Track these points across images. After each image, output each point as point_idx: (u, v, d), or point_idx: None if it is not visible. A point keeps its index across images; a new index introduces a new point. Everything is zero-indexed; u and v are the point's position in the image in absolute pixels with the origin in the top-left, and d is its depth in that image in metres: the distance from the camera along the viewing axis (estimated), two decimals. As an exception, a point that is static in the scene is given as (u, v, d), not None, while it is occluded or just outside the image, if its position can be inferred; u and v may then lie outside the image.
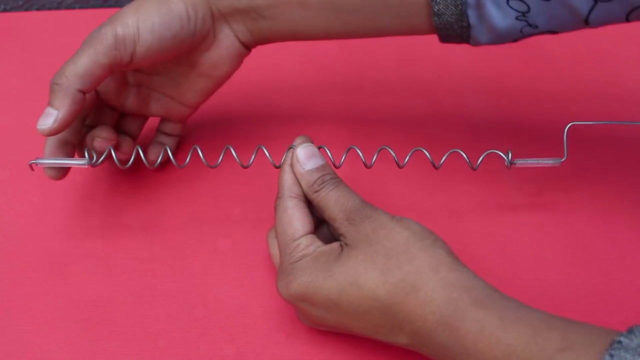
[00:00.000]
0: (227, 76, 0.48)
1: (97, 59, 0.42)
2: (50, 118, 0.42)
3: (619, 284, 0.46)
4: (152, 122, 0.52)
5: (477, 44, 0.43)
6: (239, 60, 0.48)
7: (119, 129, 0.50)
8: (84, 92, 0.43)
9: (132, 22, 0.42)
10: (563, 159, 0.45)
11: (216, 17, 0.45)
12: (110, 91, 0.48)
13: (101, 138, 0.46)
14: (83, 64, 0.42)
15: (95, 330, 0.45)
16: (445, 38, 0.43)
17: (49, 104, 0.43)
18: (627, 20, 0.39)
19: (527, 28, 0.41)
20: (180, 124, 0.52)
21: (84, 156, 0.45)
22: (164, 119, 0.52)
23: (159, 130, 0.52)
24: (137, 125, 0.51)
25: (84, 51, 0.42)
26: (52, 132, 0.42)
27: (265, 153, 0.45)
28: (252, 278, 0.47)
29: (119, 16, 0.43)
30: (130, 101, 0.49)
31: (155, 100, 0.49)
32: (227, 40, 0.46)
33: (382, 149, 0.45)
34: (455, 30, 0.42)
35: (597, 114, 0.57)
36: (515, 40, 0.43)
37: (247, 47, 0.47)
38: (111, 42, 0.42)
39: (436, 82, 0.61)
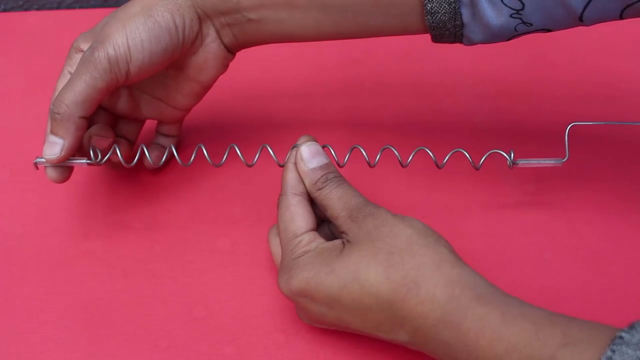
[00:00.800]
0: (213, 80, 0.48)
1: (95, 84, 0.42)
2: (56, 147, 0.43)
3: (619, 284, 0.46)
4: (152, 124, 0.52)
5: (471, 43, 0.43)
6: (224, 65, 0.47)
7: (116, 133, 0.50)
8: (85, 118, 0.43)
9: (122, 41, 0.42)
10: (565, 159, 0.45)
11: (203, 20, 0.45)
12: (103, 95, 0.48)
13: (99, 136, 0.46)
14: (81, 91, 0.42)
15: (95, 330, 0.44)
16: (438, 37, 0.43)
17: (52, 132, 0.43)
18: (621, 17, 0.39)
19: (521, 26, 0.41)
20: (176, 125, 0.52)
21: (83, 155, 0.45)
22: (158, 122, 0.52)
23: (157, 132, 0.52)
24: (133, 129, 0.51)
25: (80, 77, 0.42)
26: (61, 160, 0.43)
27: (269, 152, 0.45)
28: (252, 278, 0.47)
29: (108, 35, 0.42)
30: (122, 103, 0.48)
31: (146, 103, 0.49)
32: (213, 44, 0.46)
33: (385, 148, 0.45)
34: (449, 29, 0.42)
35: (598, 114, 0.57)
36: (509, 39, 0.43)
37: (231, 50, 0.47)
38: (106, 66, 0.42)
39: (437, 83, 0.61)
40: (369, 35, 0.45)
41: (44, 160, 0.44)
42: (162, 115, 0.50)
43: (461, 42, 0.43)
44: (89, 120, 0.44)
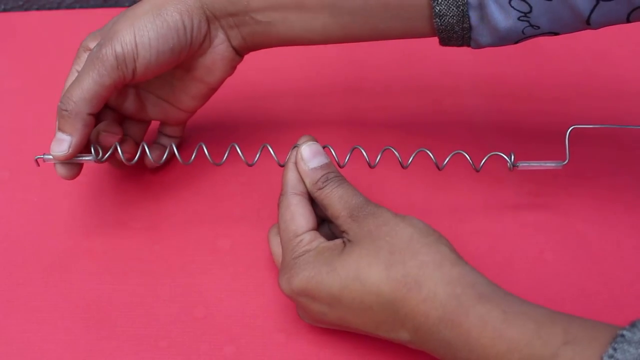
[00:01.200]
0: (220, 82, 0.48)
1: (102, 81, 0.42)
2: (64, 144, 0.43)
3: (619, 284, 0.46)
4: (154, 124, 0.52)
5: (478, 46, 0.43)
6: (231, 67, 0.48)
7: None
8: (93, 114, 0.43)
9: (130, 39, 0.42)
10: (565, 162, 0.45)
11: (211, 22, 0.45)
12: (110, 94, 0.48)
13: (106, 132, 0.46)
14: (89, 88, 0.42)
15: (95, 330, 0.44)
16: (446, 41, 0.43)
17: (59, 129, 0.43)
18: (628, 20, 0.39)
19: (529, 29, 0.41)
20: (180, 127, 0.52)
21: (90, 152, 0.45)
22: (162, 122, 0.52)
23: (160, 132, 0.52)
24: (138, 129, 0.51)
25: (88, 74, 0.42)
26: (68, 157, 0.43)
27: (270, 151, 0.45)
28: (252, 278, 0.47)
29: (115, 33, 0.43)
30: (129, 103, 0.49)
31: (152, 104, 0.49)
32: (221, 46, 0.46)
33: (386, 149, 0.45)
34: (457, 32, 0.42)
35: (599, 114, 0.57)
36: (516, 42, 0.43)
37: (240, 53, 0.47)
38: (113, 62, 0.42)
39: (437, 82, 0.61)
40: (376, 38, 0.45)
41: (51, 157, 0.44)
42: (167, 116, 0.50)
43: (469, 45, 0.43)
44: (97, 119, 0.45)
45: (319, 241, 0.40)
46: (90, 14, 0.70)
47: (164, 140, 0.52)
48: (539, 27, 0.41)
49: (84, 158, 0.45)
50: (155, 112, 0.50)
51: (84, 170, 0.52)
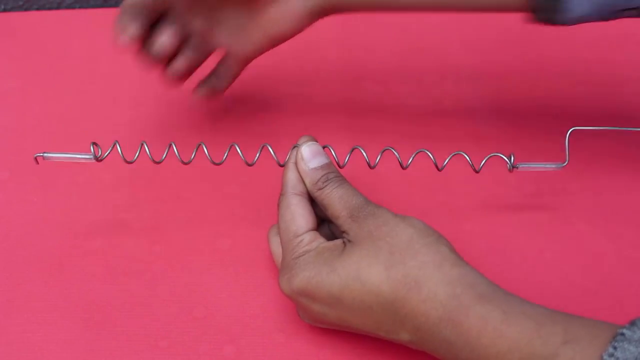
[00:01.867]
0: (283, 38, 0.48)
1: None
2: (126, 33, 0.45)
3: (619, 284, 0.46)
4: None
5: (569, 19, 0.41)
6: (300, 24, 0.47)
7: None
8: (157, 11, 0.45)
9: None
10: (565, 164, 0.45)
11: None
12: (182, 2, 0.48)
13: (166, 36, 0.47)
14: None
15: (95, 330, 0.44)
16: (537, 12, 0.41)
17: (119, 21, 0.45)
18: None
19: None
20: (237, 66, 0.51)
21: (90, 151, 0.45)
22: (222, 57, 0.51)
23: (219, 63, 0.52)
24: (199, 53, 0.50)
25: None
26: (134, 39, 0.45)
27: (270, 151, 0.45)
28: (252, 278, 0.47)
29: None
30: (198, 21, 0.49)
31: (218, 31, 0.49)
32: (296, 1, 0.45)
33: (386, 149, 0.45)
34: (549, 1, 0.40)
35: (599, 114, 0.58)
36: (608, 19, 0.41)
37: (313, 13, 0.46)
38: None
39: (438, 82, 0.61)
40: (464, 9, 0.44)
41: (50, 155, 0.44)
42: (230, 48, 0.50)
43: (559, 19, 0.41)
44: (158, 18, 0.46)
45: (319, 241, 0.40)
46: (90, 14, 0.70)
47: (220, 70, 0.51)
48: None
49: (82, 156, 0.45)
50: (221, 38, 0.50)
51: (83, 170, 0.53)
